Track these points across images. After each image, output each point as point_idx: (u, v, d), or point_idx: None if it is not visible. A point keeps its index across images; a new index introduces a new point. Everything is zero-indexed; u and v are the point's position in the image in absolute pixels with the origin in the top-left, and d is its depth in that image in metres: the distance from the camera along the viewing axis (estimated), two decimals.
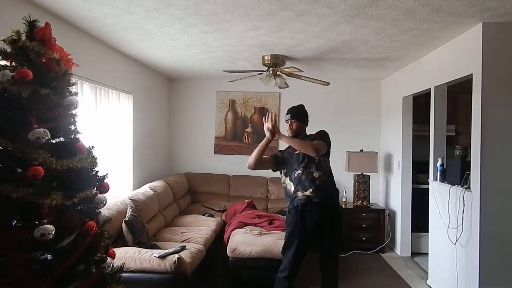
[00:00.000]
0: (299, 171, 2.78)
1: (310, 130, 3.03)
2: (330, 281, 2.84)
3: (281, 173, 2.97)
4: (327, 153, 2.87)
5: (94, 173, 1.88)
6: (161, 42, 3.74)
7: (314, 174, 2.75)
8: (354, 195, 5.34)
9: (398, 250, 4.96)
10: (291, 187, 2.82)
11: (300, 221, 2.72)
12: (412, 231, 4.85)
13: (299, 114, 2.95)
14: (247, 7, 2.72)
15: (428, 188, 3.99)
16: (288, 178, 2.87)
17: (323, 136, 2.87)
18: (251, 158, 2.84)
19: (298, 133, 2.93)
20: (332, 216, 2.79)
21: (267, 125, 2.77)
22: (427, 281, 3.99)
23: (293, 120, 2.92)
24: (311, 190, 2.72)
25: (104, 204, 1.94)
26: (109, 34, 3.48)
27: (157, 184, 4.67)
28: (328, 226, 2.76)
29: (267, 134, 2.78)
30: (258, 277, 3.58)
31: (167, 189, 4.80)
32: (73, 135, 1.84)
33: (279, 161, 2.96)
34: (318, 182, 2.74)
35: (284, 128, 2.94)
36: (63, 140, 1.80)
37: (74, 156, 1.76)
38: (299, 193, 2.75)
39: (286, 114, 2.96)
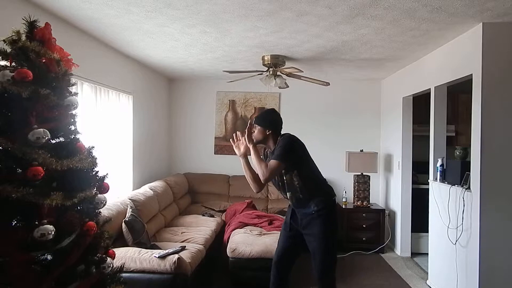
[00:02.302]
0: (285, 195, 2.79)
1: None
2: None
3: None
4: (294, 166, 2.60)
5: (94, 173, 1.88)
6: (161, 42, 3.74)
7: (289, 195, 2.73)
8: (354, 195, 5.34)
9: (398, 250, 4.96)
10: None
11: (290, 214, 2.82)
12: (412, 231, 4.85)
13: (260, 119, 2.74)
14: (247, 7, 2.72)
15: (428, 188, 3.99)
16: None
17: (279, 150, 2.57)
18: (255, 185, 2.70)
19: (264, 139, 2.71)
20: (311, 220, 2.66)
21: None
22: (427, 281, 3.99)
23: (255, 124, 2.73)
24: (293, 206, 2.81)
25: (104, 204, 1.94)
26: (109, 34, 3.48)
27: (157, 184, 4.67)
28: (309, 226, 2.67)
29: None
30: (258, 277, 3.58)
31: (167, 189, 4.80)
32: (73, 135, 1.84)
33: None
34: (294, 201, 2.72)
35: None
36: (63, 140, 1.80)
37: (74, 156, 1.76)
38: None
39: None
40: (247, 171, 2.70)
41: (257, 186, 2.69)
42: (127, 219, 3.41)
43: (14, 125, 1.62)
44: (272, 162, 2.55)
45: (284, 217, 3.45)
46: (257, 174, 2.62)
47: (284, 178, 2.67)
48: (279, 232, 4.00)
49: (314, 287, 2.93)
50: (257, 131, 2.71)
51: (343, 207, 5.22)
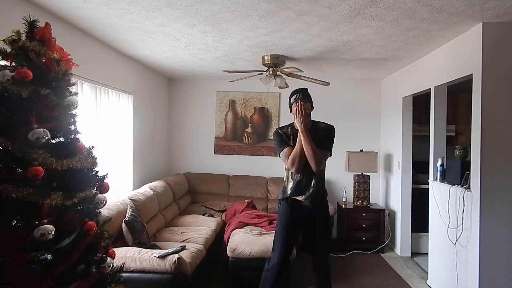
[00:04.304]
0: (302, 176, 2.74)
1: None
2: (323, 273, 2.83)
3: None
4: None
5: (94, 173, 1.89)
6: (161, 42, 3.74)
7: (312, 184, 2.75)
8: (354, 195, 5.34)
9: (398, 250, 4.96)
10: (288, 185, 2.81)
11: (290, 212, 2.76)
12: (412, 231, 4.85)
13: (309, 96, 2.78)
14: (247, 7, 2.72)
15: (428, 188, 3.99)
16: (290, 174, 2.81)
17: (330, 142, 2.79)
18: (298, 162, 2.66)
19: (310, 118, 2.76)
20: (320, 211, 2.82)
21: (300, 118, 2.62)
22: (427, 281, 3.99)
23: (306, 102, 2.72)
24: (304, 196, 2.75)
25: (104, 204, 1.95)
26: (109, 34, 3.48)
27: (157, 184, 4.67)
28: (318, 217, 2.80)
29: (302, 126, 2.61)
30: (258, 277, 3.55)
31: (167, 189, 4.80)
32: (73, 135, 1.84)
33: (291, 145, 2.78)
34: (313, 190, 2.75)
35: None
36: (63, 140, 1.81)
37: (74, 156, 1.76)
38: (294, 195, 2.78)
39: (295, 94, 2.77)
40: (312, 148, 2.63)
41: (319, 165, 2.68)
42: (127, 219, 3.41)
43: (14, 125, 1.62)
44: (326, 154, 2.75)
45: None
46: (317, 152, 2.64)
47: None
48: None
49: (313, 287, 2.94)
50: (309, 109, 2.74)
51: (343, 207, 5.22)
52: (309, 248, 2.89)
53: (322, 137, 2.74)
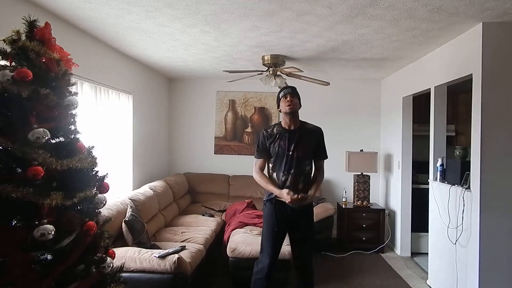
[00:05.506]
0: (287, 176, 2.73)
1: None
2: (307, 276, 2.84)
3: (267, 164, 2.88)
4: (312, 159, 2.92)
5: (94, 173, 1.89)
6: (161, 42, 3.74)
7: (299, 186, 2.74)
8: (354, 195, 5.34)
9: (398, 250, 4.96)
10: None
11: (274, 213, 2.74)
12: (412, 231, 4.85)
13: (297, 93, 2.84)
14: (247, 7, 2.72)
15: (428, 188, 3.99)
16: (275, 175, 2.80)
17: (325, 149, 2.90)
18: (257, 180, 2.85)
19: (296, 112, 2.80)
20: (305, 212, 2.83)
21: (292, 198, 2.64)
22: (427, 281, 3.99)
23: (294, 97, 2.78)
24: None
25: (104, 204, 1.95)
26: (109, 34, 3.48)
27: (157, 184, 4.67)
28: (303, 218, 2.81)
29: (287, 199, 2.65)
30: None
31: (167, 189, 4.80)
32: (73, 135, 1.84)
33: (269, 156, 2.84)
34: (299, 192, 2.71)
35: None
36: (63, 140, 1.81)
37: (74, 156, 1.76)
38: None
39: (284, 89, 2.83)
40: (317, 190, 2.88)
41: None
42: (127, 219, 3.41)
43: (14, 125, 1.62)
44: (323, 163, 2.90)
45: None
46: (320, 180, 2.87)
47: (307, 169, 2.82)
48: None
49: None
50: (296, 103, 2.78)
51: (343, 207, 5.22)
52: (293, 248, 2.89)
53: (313, 141, 2.80)
